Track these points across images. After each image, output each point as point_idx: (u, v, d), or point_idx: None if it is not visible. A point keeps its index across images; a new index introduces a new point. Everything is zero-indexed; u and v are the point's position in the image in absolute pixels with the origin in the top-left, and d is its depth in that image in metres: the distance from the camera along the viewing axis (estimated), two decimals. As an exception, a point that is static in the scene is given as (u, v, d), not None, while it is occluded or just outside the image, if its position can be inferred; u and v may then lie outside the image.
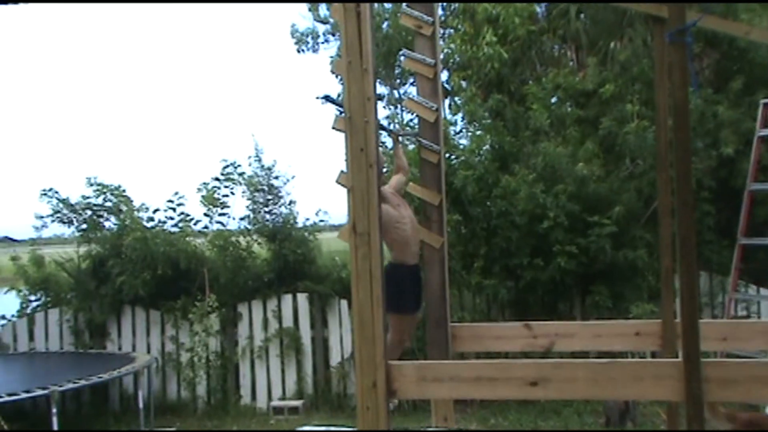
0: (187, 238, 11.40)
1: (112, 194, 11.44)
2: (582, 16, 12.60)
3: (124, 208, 11.48)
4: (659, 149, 5.78)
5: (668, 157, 5.55)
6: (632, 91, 11.07)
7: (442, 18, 12.59)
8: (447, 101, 12.05)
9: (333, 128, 4.65)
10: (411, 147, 9.52)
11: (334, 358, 10.88)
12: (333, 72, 11.84)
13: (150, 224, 11.42)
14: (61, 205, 11.30)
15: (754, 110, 9.49)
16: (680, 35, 3.85)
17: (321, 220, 11.66)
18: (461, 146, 11.28)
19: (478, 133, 11.34)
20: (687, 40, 3.87)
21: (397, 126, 11.99)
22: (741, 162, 10.20)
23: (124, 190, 11.56)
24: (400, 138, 7.12)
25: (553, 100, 11.67)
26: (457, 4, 12.63)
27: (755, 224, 9.35)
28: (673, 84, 3.95)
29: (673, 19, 3.94)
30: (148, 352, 11.01)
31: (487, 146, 11.07)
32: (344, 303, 10.85)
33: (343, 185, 4.41)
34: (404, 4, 6.14)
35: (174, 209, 11.40)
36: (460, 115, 11.93)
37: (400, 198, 5.93)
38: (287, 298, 10.98)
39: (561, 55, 13.34)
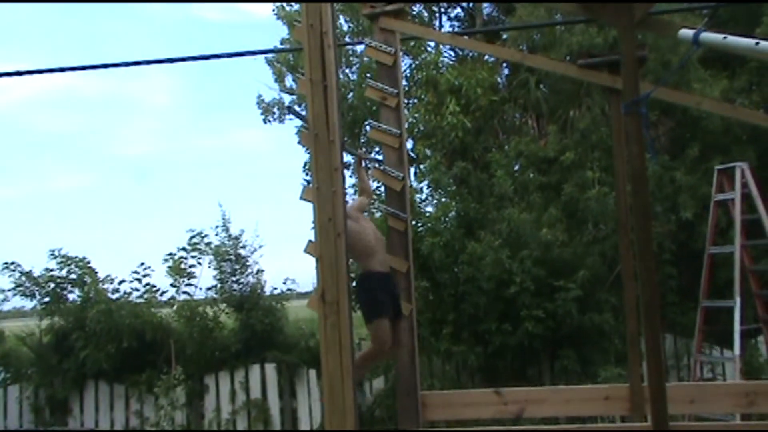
0: (153, 309, 11.22)
1: (76, 266, 11.25)
2: (541, 86, 13.02)
3: (89, 280, 11.28)
4: (620, 214, 5.92)
5: (629, 222, 5.68)
6: (592, 158, 11.39)
7: (406, 88, 12.90)
8: (412, 169, 12.24)
9: (301, 198, 4.70)
10: (378, 215, 9.61)
11: (303, 429, 10.65)
12: (300, 143, 11.99)
13: (115, 296, 11.22)
14: (23, 278, 11.07)
15: (710, 175, 9.81)
16: (635, 106, 4.01)
17: (288, 289, 11.60)
18: (427, 213, 11.41)
19: (444, 200, 11.49)
20: (642, 111, 4.04)
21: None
22: (700, 225, 10.47)
23: (88, 262, 11.39)
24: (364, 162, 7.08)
25: (516, 167, 11.95)
26: (419, 76, 12.97)
27: (717, 286, 9.53)
28: (631, 152, 4.09)
29: (628, 91, 4.11)
30: (112, 428, 10.67)
31: (453, 213, 11.22)
32: (313, 373, 10.70)
33: (311, 255, 4.43)
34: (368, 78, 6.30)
35: (140, 280, 11.25)
36: (425, 182, 12.11)
37: (361, 213, 5.86)
38: (255, 369, 10.79)
39: (522, 123, 13.70)
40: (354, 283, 5.46)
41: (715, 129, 11.47)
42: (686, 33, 3.88)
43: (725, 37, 3.62)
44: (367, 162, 6.74)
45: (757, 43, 3.41)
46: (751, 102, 11.32)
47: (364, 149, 13.23)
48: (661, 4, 7.70)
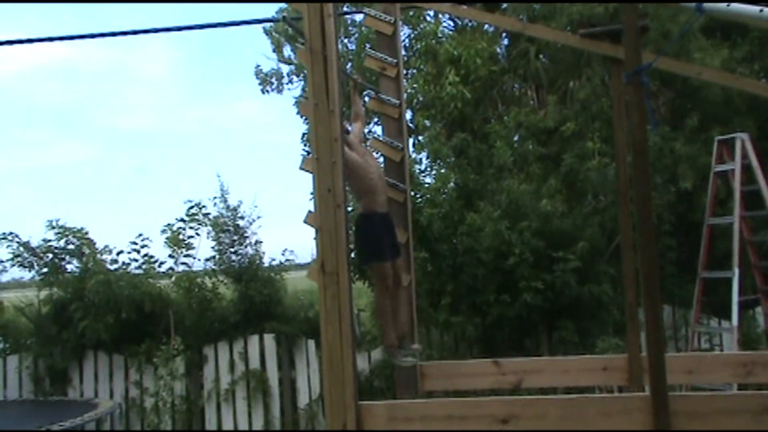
0: (152, 280, 11.23)
1: (74, 237, 11.24)
2: (541, 56, 12.91)
3: (87, 251, 11.28)
4: (620, 185, 5.91)
5: (629, 193, 5.68)
6: (592, 128, 11.33)
7: (405, 59, 12.79)
8: (411, 140, 12.18)
9: (300, 168, 4.67)
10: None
11: (302, 400, 10.75)
12: (299, 113, 11.91)
13: (113, 267, 11.23)
14: (21, 249, 11.06)
15: (709, 146, 9.77)
16: (636, 76, 3.98)
17: (287, 260, 11.61)
18: (426, 184, 11.38)
19: (443, 171, 11.46)
20: (643, 80, 4.01)
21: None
22: (699, 196, 10.45)
23: (86, 233, 11.38)
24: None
25: (516, 138, 11.89)
26: (419, 46, 12.85)
27: (715, 257, 9.55)
28: (631, 122, 4.07)
29: (629, 60, 4.08)
30: (111, 397, 10.74)
31: (452, 184, 11.18)
32: (312, 343, 10.75)
33: (311, 225, 4.42)
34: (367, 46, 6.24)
35: (138, 251, 11.25)
36: (424, 153, 12.05)
37: (363, 146, 5.77)
38: (254, 340, 10.84)
39: (522, 94, 13.62)
40: (354, 223, 5.49)
41: (715, 99, 11.40)
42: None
43: (729, 4, 3.58)
44: (364, 88, 6.70)
45: (761, 10, 3.38)
46: (752, 72, 11.25)
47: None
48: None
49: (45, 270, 11.14)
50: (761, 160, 8.84)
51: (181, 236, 11.18)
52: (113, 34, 7.30)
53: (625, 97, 5.29)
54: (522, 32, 9.67)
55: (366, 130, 13.77)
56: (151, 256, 11.30)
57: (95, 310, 10.57)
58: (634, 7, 4.10)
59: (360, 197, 5.42)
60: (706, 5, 3.67)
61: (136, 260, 11.28)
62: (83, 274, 11.08)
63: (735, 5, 3.56)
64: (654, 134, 10.67)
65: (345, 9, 13.51)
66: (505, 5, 13.32)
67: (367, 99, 7.27)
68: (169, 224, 11.21)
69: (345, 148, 4.56)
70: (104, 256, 11.33)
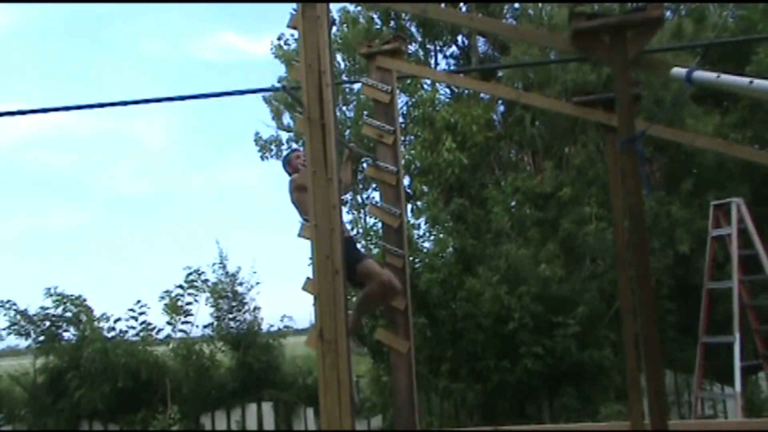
0: (149, 348, 11.13)
1: (72, 304, 11.20)
2: (537, 122, 13.13)
3: (84, 319, 11.22)
4: (617, 250, 5.94)
5: (627, 257, 5.69)
6: (589, 193, 11.43)
7: (403, 125, 13.00)
8: (409, 206, 12.27)
9: (299, 236, 4.70)
10: (375, 251, 9.60)
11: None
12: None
13: (111, 334, 11.15)
14: (18, 317, 11.00)
15: (705, 210, 9.86)
16: (630, 144, 4.05)
17: (285, 326, 11.55)
18: (425, 249, 11.40)
19: (441, 236, 11.50)
20: (637, 148, 4.08)
21: (360, 231, 12.11)
22: (697, 260, 10.47)
23: (84, 300, 11.34)
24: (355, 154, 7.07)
25: (513, 203, 11.97)
26: (416, 113, 13.07)
27: (716, 321, 9.50)
28: (627, 188, 4.12)
29: (623, 128, 4.15)
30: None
31: (450, 249, 11.21)
32: (310, 411, 10.58)
33: (309, 292, 4.41)
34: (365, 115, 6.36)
35: (136, 318, 11.19)
36: (422, 218, 12.12)
37: None
38: (252, 408, 10.68)
39: (518, 160, 13.79)
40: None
41: (708, 164, 11.55)
42: (679, 71, 3.94)
43: (718, 76, 3.67)
44: (360, 156, 6.77)
45: (751, 82, 3.45)
46: (744, 138, 11.42)
47: (360, 186, 13.31)
48: (654, 43, 7.81)
49: (41, 338, 11.05)
50: (757, 224, 8.91)
51: (179, 303, 11.16)
52: (112, 104, 7.39)
53: (620, 163, 5.37)
54: (517, 101, 9.85)
55: (365, 196, 13.92)
56: (149, 324, 11.25)
57: (91, 379, 10.44)
58: (627, 76, 4.20)
59: None
60: (696, 76, 3.76)
61: (134, 327, 11.23)
62: (80, 342, 10.99)
63: (724, 77, 3.65)
64: (650, 199, 10.76)
65: (344, 77, 13.81)
66: (500, 73, 13.63)
67: (365, 166, 7.37)
68: (167, 291, 11.21)
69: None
70: (102, 324, 11.26)
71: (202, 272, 11.40)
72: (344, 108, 13.89)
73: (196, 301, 11.30)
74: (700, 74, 3.76)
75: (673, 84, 10.80)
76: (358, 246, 5.81)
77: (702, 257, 9.62)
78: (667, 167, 12.57)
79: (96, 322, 11.23)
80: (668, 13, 13.09)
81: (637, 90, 5.89)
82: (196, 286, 11.30)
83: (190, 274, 11.34)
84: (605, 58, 4.52)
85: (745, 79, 3.54)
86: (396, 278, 5.71)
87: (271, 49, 14.73)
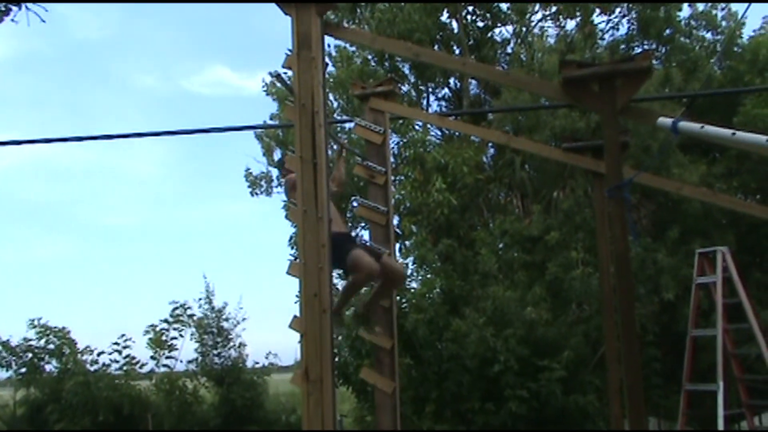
0: (132, 382, 11.00)
1: (55, 336, 11.08)
2: (526, 166, 13.26)
3: (67, 351, 11.08)
4: (604, 295, 5.97)
5: (613, 303, 5.72)
6: (576, 238, 11.50)
7: (394, 165, 13.08)
8: (398, 245, 12.29)
9: (287, 273, 4.71)
10: (364, 290, 9.59)
11: None
12: (287, 218, 12.04)
13: (93, 368, 11.02)
14: (0, 348, 10.85)
15: (691, 258, 9.92)
16: (618, 191, 4.12)
17: (270, 363, 11.46)
18: (412, 290, 11.40)
19: (429, 276, 11.51)
20: (624, 195, 4.14)
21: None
22: (682, 307, 10.51)
23: (68, 332, 11.22)
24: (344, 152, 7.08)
25: (501, 245, 12.02)
26: (407, 153, 13.19)
27: (699, 369, 9.50)
28: (614, 235, 4.17)
29: (611, 175, 4.22)
30: None
31: (438, 289, 11.21)
32: (292, 450, 10.45)
33: (296, 330, 4.41)
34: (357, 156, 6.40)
35: (120, 352, 11.07)
36: (411, 258, 12.14)
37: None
38: (233, 446, 10.53)
39: (507, 202, 13.89)
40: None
41: (695, 212, 11.67)
42: (665, 121, 4.02)
43: (703, 127, 3.76)
44: (350, 151, 6.80)
45: (733, 134, 3.54)
46: (730, 187, 11.58)
47: (350, 224, 13.34)
48: (642, 91, 7.95)
49: (23, 370, 10.89)
50: (742, 273, 8.96)
51: (164, 337, 11.06)
52: (103, 137, 7.37)
53: (607, 209, 5.43)
54: (507, 145, 9.96)
55: (354, 235, 13.96)
56: (133, 357, 11.13)
57: (72, 412, 10.29)
58: (616, 124, 4.29)
59: None
60: (681, 126, 3.84)
61: (117, 361, 11.10)
62: (62, 374, 10.85)
63: (708, 128, 3.73)
64: (636, 245, 10.84)
65: (336, 116, 13.93)
66: (491, 116, 13.80)
67: (355, 204, 7.40)
68: (152, 325, 11.13)
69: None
70: (85, 357, 11.14)
71: (188, 307, 11.35)
72: (334, 146, 13.96)
73: (181, 335, 11.23)
74: (686, 125, 3.85)
75: (660, 132, 10.96)
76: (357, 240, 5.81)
77: (687, 304, 9.66)
78: (654, 214, 12.70)
79: (79, 355, 11.10)
80: (656, 62, 13.35)
81: (625, 138, 5.99)
82: (182, 321, 11.23)
83: (176, 308, 11.29)
84: (594, 106, 4.62)
85: (728, 131, 3.62)
86: (395, 262, 5.71)
87: (263, 86, 14.89)
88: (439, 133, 14.54)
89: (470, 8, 14.90)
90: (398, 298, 9.96)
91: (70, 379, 10.56)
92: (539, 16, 14.88)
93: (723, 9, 14.04)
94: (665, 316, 11.23)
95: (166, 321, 11.15)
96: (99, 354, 11.16)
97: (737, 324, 8.96)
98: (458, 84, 15.30)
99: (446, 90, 15.82)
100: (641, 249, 11.10)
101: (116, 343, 11.09)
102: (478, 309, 10.84)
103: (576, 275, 10.82)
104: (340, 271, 5.54)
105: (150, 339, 11.01)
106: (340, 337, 10.24)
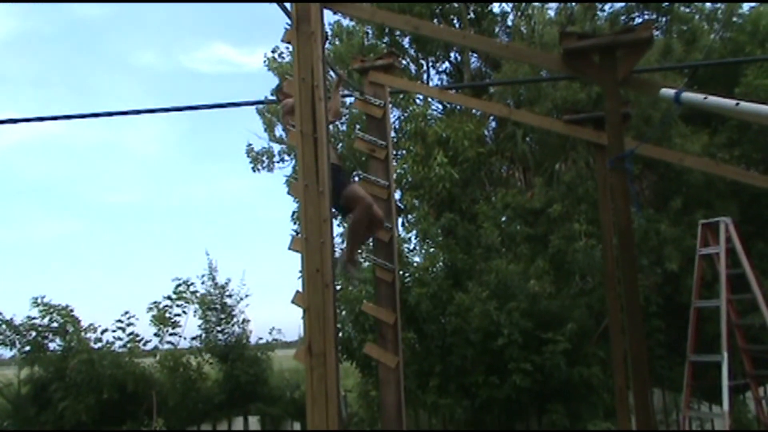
0: (136, 360, 11.05)
1: (58, 314, 11.09)
2: (528, 139, 13.21)
3: (71, 329, 11.11)
4: (607, 267, 5.96)
5: (616, 275, 5.72)
6: (578, 210, 11.48)
7: (395, 140, 13.04)
8: (400, 220, 12.29)
9: (289, 249, 4.70)
10: (366, 264, 9.58)
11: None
12: (289, 193, 12.02)
13: (97, 345, 11.05)
14: (3, 326, 10.88)
15: (693, 228, 9.90)
16: (619, 162, 4.09)
17: (274, 339, 11.50)
18: (415, 264, 11.41)
19: (431, 250, 11.51)
20: (626, 166, 4.11)
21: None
22: (685, 278, 10.51)
23: (71, 310, 11.24)
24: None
25: (503, 218, 12.00)
26: (408, 128, 13.13)
27: (704, 340, 9.52)
28: (616, 206, 4.15)
29: (612, 147, 4.19)
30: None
31: (440, 264, 11.22)
32: (297, 425, 10.52)
33: (299, 305, 4.41)
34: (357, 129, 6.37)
35: (123, 329, 11.11)
36: (413, 233, 12.13)
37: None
38: (238, 421, 10.60)
39: (509, 175, 13.85)
40: None
41: (697, 183, 11.64)
42: (668, 92, 3.98)
43: (706, 98, 3.72)
44: (347, 83, 6.85)
45: (737, 104, 3.50)
46: (732, 157, 11.52)
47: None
48: (643, 62, 7.88)
49: (27, 348, 10.94)
50: (745, 243, 8.95)
51: (167, 314, 11.09)
52: (104, 114, 7.38)
53: (609, 181, 5.40)
54: (508, 118, 9.90)
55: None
56: (137, 335, 11.17)
57: (76, 390, 10.34)
58: (617, 96, 4.25)
59: None
60: (684, 96, 3.80)
61: (121, 339, 11.13)
62: (66, 352, 10.89)
63: (711, 98, 3.70)
64: (639, 217, 10.82)
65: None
66: (492, 89, 13.72)
67: (357, 179, 7.38)
68: (156, 302, 11.14)
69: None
70: (88, 335, 11.17)
71: (192, 283, 11.36)
72: (337, 122, 13.92)
73: (184, 312, 11.25)
74: (689, 95, 3.81)
75: (661, 103, 10.89)
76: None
77: (690, 275, 9.66)
78: (656, 185, 12.65)
79: (83, 333, 11.13)
80: (657, 33, 13.23)
81: (627, 109, 5.94)
82: (185, 298, 11.25)
83: (179, 285, 11.30)
84: (595, 78, 4.57)
85: (732, 101, 3.58)
86: (378, 207, 5.73)
87: (265, 61, 14.78)
88: (440, 107, 14.46)
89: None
90: (401, 272, 9.98)
91: (74, 357, 10.60)
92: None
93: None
94: (668, 287, 11.24)
95: (169, 298, 11.17)
96: (103, 332, 11.19)
97: (741, 294, 8.97)
98: (459, 57, 15.18)
99: (447, 64, 15.71)
100: (644, 220, 11.08)
101: (120, 321, 11.13)
102: (481, 283, 10.85)
103: (579, 247, 10.81)
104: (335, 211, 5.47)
105: (153, 316, 11.03)
106: (344, 312, 10.26)
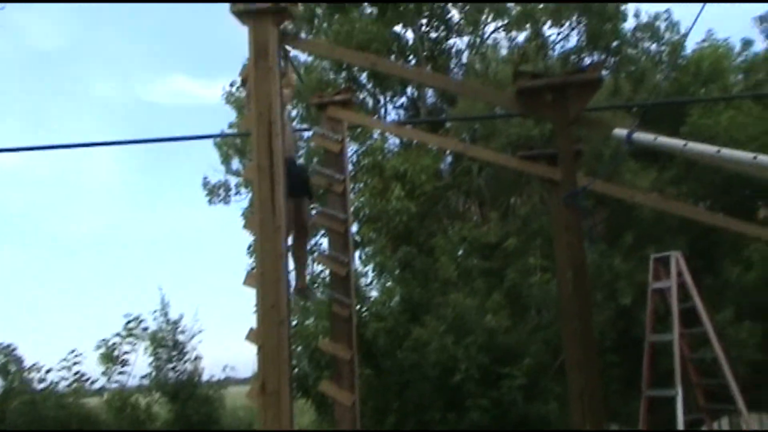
0: (82, 400, 10.66)
1: (0, 353, 10.68)
2: (484, 173, 13.34)
3: (13, 369, 10.69)
4: (561, 302, 5.98)
5: (571, 310, 5.75)
6: (534, 245, 11.59)
7: (353, 173, 13.05)
8: (357, 253, 12.24)
9: (244, 284, 4.61)
10: (323, 297, 9.50)
11: None
12: (245, 228, 11.89)
13: (41, 386, 10.64)
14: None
15: (645, 262, 10.05)
16: (573, 199, 4.15)
17: (227, 376, 11.28)
18: (372, 298, 11.35)
19: (389, 284, 11.47)
20: (579, 203, 4.17)
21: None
22: (638, 312, 10.64)
23: (14, 349, 10.83)
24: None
25: (460, 252, 12.05)
26: (365, 161, 13.17)
27: (659, 374, 9.61)
28: (570, 242, 4.19)
29: (565, 183, 4.25)
30: None
31: (398, 297, 11.18)
32: (251, 465, 10.26)
33: (252, 342, 4.32)
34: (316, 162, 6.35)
35: (69, 368, 10.74)
36: (370, 266, 12.10)
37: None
38: (190, 463, 10.30)
39: (465, 209, 13.95)
40: None
41: (648, 218, 11.87)
42: (620, 132, 4.07)
43: (656, 138, 3.82)
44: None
45: (685, 144, 3.60)
46: (680, 193, 11.80)
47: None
48: (594, 101, 8.04)
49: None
50: (695, 277, 9.11)
51: (116, 352, 10.78)
52: (64, 147, 7.25)
53: (563, 216, 5.46)
54: (464, 153, 10.01)
55: (313, 243, 13.86)
56: (83, 374, 10.80)
57: (17, 433, 9.92)
58: (569, 134, 4.33)
59: None
60: (635, 137, 3.90)
61: (66, 378, 10.75)
62: (7, 394, 10.44)
63: (661, 139, 3.80)
64: (592, 251, 10.96)
65: (294, 125, 13.83)
66: (448, 125, 13.87)
67: (313, 213, 7.32)
68: (104, 339, 10.83)
69: None
70: (32, 374, 10.75)
71: (143, 320, 11.09)
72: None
73: (134, 350, 10.94)
74: (640, 136, 3.91)
75: (612, 140, 11.12)
76: None
77: (643, 310, 9.78)
78: (608, 220, 12.87)
79: (26, 373, 10.71)
80: (606, 73, 13.60)
81: (578, 146, 6.04)
82: (135, 335, 10.96)
83: (130, 321, 11.01)
84: (548, 116, 4.66)
85: (680, 142, 3.69)
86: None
87: (223, 94, 14.75)
88: (397, 140, 14.56)
89: (425, 20, 15.04)
90: (358, 306, 9.90)
91: (15, 398, 10.18)
92: (492, 27, 15.10)
93: (666, 20, 14.42)
94: (623, 321, 11.36)
95: (118, 335, 10.87)
96: (47, 371, 10.79)
97: (693, 328, 9.10)
98: (416, 92, 15.35)
99: (404, 99, 15.86)
100: (597, 255, 11.23)
101: (65, 359, 10.76)
102: (439, 317, 10.82)
103: (534, 281, 10.90)
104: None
105: (102, 354, 10.71)
106: (299, 348, 10.12)
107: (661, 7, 14.39)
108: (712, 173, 11.90)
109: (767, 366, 11.02)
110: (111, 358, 10.72)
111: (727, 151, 3.35)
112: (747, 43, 14.58)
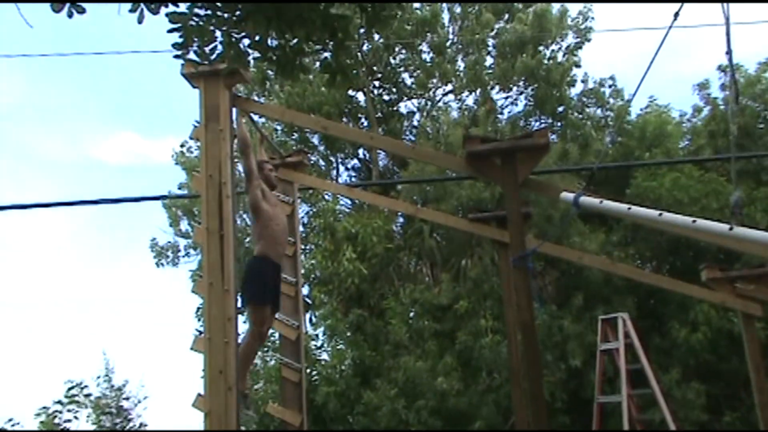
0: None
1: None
2: (435, 234, 13.45)
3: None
4: (512, 364, 6.01)
5: (521, 372, 5.77)
6: (484, 306, 11.65)
7: (304, 235, 13.01)
8: (308, 315, 12.11)
9: (191, 349, 4.52)
10: (272, 363, 9.34)
11: None
12: (194, 291, 11.70)
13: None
14: None
15: (594, 324, 10.19)
16: (522, 261, 4.21)
17: (174, 445, 10.87)
18: (323, 361, 11.19)
19: (340, 347, 11.35)
20: (528, 265, 4.24)
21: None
22: (588, 373, 10.73)
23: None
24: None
25: (411, 314, 12.03)
26: (317, 223, 13.16)
27: (608, 435, 9.65)
28: (519, 304, 4.24)
29: (515, 245, 4.32)
30: None
31: (349, 361, 11.05)
32: None
33: (199, 409, 4.21)
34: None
35: (5, 439, 10.23)
36: (321, 329, 11.98)
37: (275, 198, 5.64)
38: None
39: (417, 271, 13.97)
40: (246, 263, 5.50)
41: (596, 279, 12.08)
42: (567, 196, 4.19)
43: (601, 201, 3.94)
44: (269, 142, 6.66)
45: (629, 208, 3.72)
46: (627, 255, 12.08)
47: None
48: (541, 165, 8.27)
49: None
50: (642, 338, 9.26)
51: (57, 420, 10.33)
52: (9, 208, 7.11)
53: (513, 278, 5.53)
54: (415, 215, 10.10)
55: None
56: (20, 446, 10.30)
57: None
58: (518, 197, 4.43)
59: (258, 240, 5.31)
60: (582, 201, 4.01)
61: (2, 449, 10.24)
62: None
63: (607, 202, 3.93)
64: (542, 313, 11.08)
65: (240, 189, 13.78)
66: (399, 187, 14.01)
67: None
68: (45, 407, 10.38)
69: (258, 192, 5.02)
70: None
71: (86, 386, 10.69)
72: (245, 215, 13.82)
73: (76, 418, 10.51)
74: (586, 200, 4.02)
75: (561, 202, 11.38)
76: None
77: (593, 371, 9.87)
78: (558, 281, 13.06)
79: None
80: (553, 137, 14.00)
81: (528, 208, 6.18)
82: (78, 402, 10.54)
83: (72, 387, 10.60)
84: (497, 180, 4.75)
85: (624, 206, 3.81)
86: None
87: (173, 155, 14.66)
88: (348, 202, 14.63)
89: (376, 83, 15.34)
90: (308, 370, 9.75)
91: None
92: (442, 91, 15.46)
93: (611, 87, 14.98)
94: (573, 382, 11.42)
95: (59, 402, 10.44)
96: (-20, 443, 10.27)
97: (641, 389, 9.19)
98: (367, 154, 15.53)
99: (355, 161, 16.02)
100: (547, 316, 11.34)
101: (2, 430, 10.25)
102: (390, 380, 10.73)
103: (486, 343, 10.92)
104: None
105: (42, 422, 10.25)
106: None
107: (605, 73, 14.94)
108: (658, 235, 12.24)
109: (713, 426, 11.19)
110: (51, 426, 10.25)
111: (668, 215, 3.48)
112: (698, 110, 15.10)
